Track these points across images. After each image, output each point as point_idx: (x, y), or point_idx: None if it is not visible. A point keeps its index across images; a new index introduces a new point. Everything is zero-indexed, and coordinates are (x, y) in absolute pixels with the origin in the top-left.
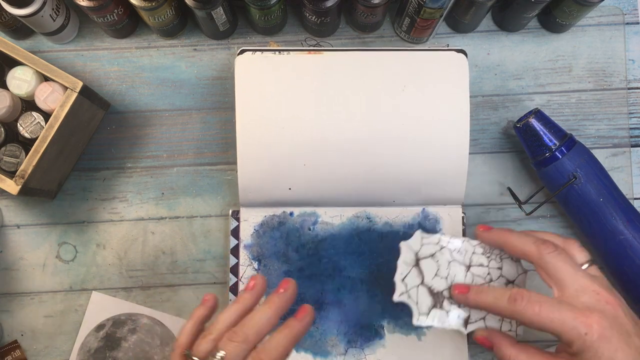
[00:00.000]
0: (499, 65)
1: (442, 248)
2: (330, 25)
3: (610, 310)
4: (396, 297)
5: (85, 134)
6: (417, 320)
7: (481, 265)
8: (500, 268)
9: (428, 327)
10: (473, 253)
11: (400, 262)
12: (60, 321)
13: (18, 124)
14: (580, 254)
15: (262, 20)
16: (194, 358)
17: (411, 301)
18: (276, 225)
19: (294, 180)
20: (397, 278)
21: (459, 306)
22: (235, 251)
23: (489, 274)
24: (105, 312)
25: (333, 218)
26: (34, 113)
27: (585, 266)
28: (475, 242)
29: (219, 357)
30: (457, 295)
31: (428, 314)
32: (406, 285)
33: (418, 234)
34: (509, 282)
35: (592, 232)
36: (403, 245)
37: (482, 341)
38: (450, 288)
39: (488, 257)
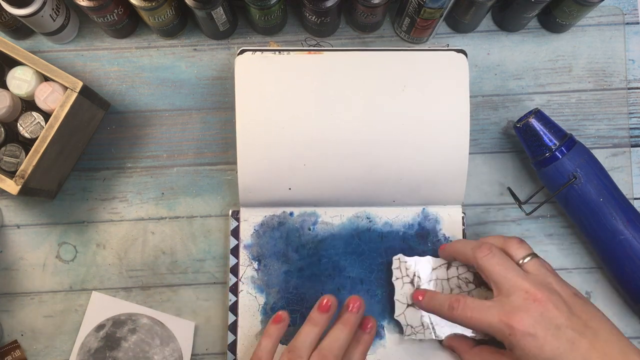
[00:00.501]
0: (499, 65)
1: (417, 268)
2: (330, 25)
3: (537, 308)
4: (395, 316)
5: (85, 134)
6: (408, 336)
7: (456, 276)
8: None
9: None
10: (447, 266)
11: (395, 281)
12: (60, 321)
13: (18, 124)
14: (519, 250)
15: (262, 20)
16: None
17: (403, 319)
18: (276, 225)
19: (294, 180)
20: (396, 297)
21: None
22: (235, 251)
23: (467, 280)
24: (105, 312)
25: (333, 218)
26: (34, 113)
27: (526, 260)
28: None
29: None
30: (414, 300)
31: (417, 332)
32: (405, 302)
33: (396, 259)
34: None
35: (592, 232)
36: (394, 267)
37: (449, 347)
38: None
39: (457, 267)
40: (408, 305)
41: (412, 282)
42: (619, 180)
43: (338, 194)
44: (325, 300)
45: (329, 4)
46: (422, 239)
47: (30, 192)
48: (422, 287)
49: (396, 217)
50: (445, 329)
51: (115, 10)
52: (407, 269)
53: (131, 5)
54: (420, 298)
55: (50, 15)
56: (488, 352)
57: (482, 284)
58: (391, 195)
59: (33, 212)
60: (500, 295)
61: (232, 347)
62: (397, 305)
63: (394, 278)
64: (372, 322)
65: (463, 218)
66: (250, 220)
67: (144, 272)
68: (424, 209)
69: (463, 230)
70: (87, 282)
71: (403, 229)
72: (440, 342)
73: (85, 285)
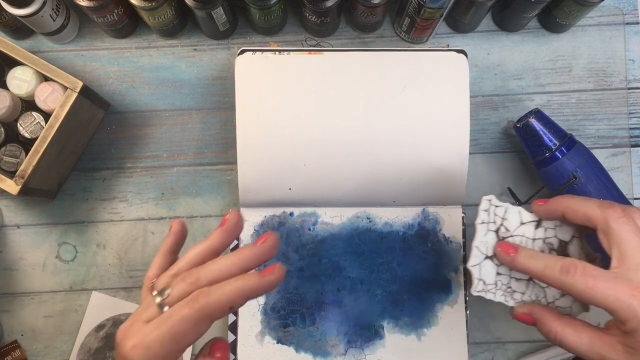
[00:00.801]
0: (499, 65)
1: (506, 217)
2: (330, 25)
3: None
4: (469, 265)
5: (85, 134)
6: (477, 292)
7: (542, 239)
8: (554, 235)
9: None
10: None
11: (479, 225)
12: (60, 321)
13: (18, 124)
14: None
15: (262, 20)
16: (154, 292)
17: (477, 271)
18: (276, 225)
19: (294, 181)
20: (475, 243)
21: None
22: None
23: (551, 246)
24: (105, 312)
25: (333, 218)
26: (34, 113)
27: None
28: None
29: (166, 294)
30: (503, 255)
31: (488, 290)
32: (485, 252)
33: (487, 199)
34: (563, 243)
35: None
36: (482, 209)
37: (523, 318)
38: (495, 246)
39: (547, 228)
40: (486, 257)
41: (496, 232)
42: (619, 180)
43: (338, 194)
44: (225, 217)
45: (329, 4)
46: (422, 239)
47: (30, 192)
48: (507, 240)
49: (396, 217)
50: (519, 296)
51: (115, 10)
52: (495, 214)
53: (131, 5)
54: (512, 253)
55: (50, 15)
56: (583, 324)
57: (564, 254)
58: (391, 195)
59: (33, 212)
60: (624, 267)
61: (232, 347)
62: (474, 253)
63: (479, 221)
64: (276, 269)
65: (463, 218)
66: (251, 221)
67: (144, 272)
68: (424, 209)
69: (463, 230)
70: (87, 282)
71: (403, 229)
72: (511, 310)
73: (85, 285)
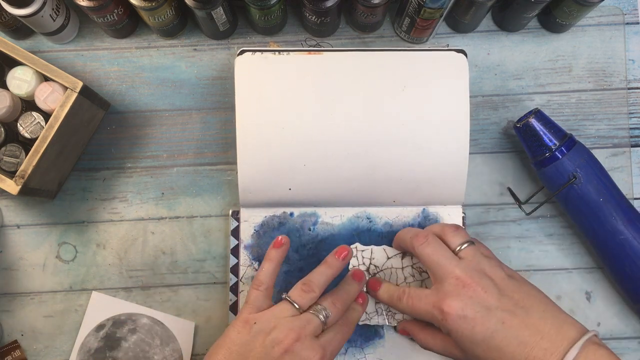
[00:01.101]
0: (499, 65)
1: (373, 256)
2: (330, 25)
3: (466, 292)
4: None
5: (85, 134)
6: (362, 322)
7: (410, 265)
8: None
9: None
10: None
11: (351, 268)
12: (60, 321)
13: (18, 124)
14: (455, 238)
15: (262, 20)
16: (296, 305)
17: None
18: (276, 225)
19: (294, 181)
20: None
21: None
22: (235, 251)
23: (420, 269)
24: (105, 312)
25: (333, 218)
26: (34, 113)
27: (463, 247)
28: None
29: (325, 315)
30: (371, 289)
31: (371, 318)
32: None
33: (353, 247)
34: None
35: (592, 232)
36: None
37: (402, 332)
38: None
39: (412, 256)
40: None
41: (367, 270)
42: (619, 180)
43: (338, 194)
44: (341, 248)
45: (329, 4)
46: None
47: (30, 192)
48: (377, 275)
49: (396, 217)
50: (398, 315)
51: (115, 10)
52: (363, 257)
53: (131, 5)
54: (377, 288)
55: (50, 15)
56: (437, 332)
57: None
58: (391, 195)
59: (33, 212)
60: (436, 283)
61: None
62: None
63: (350, 266)
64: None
65: (463, 218)
66: (251, 221)
67: (144, 272)
68: (424, 209)
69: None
70: (87, 282)
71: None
72: (395, 328)
73: (85, 285)
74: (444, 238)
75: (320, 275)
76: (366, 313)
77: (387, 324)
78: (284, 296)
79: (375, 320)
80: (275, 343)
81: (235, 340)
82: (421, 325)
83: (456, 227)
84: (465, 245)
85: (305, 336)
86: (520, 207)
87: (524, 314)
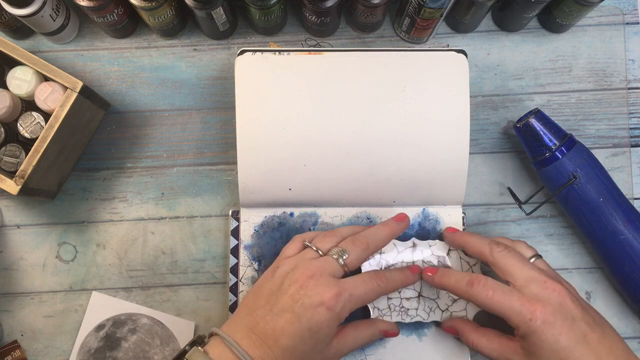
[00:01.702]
0: (499, 65)
1: (383, 250)
2: (330, 25)
3: (556, 298)
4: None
5: (85, 134)
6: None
7: (421, 260)
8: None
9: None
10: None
11: (362, 267)
12: (60, 321)
13: (18, 124)
14: (527, 250)
15: (262, 20)
16: (315, 248)
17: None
18: (276, 225)
19: (294, 181)
20: None
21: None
22: (235, 251)
23: (430, 264)
24: (105, 312)
25: (333, 219)
26: (34, 113)
27: (533, 259)
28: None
29: (345, 257)
30: (426, 276)
31: (384, 315)
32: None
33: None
34: None
35: (592, 232)
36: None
37: (448, 330)
38: (422, 271)
39: (422, 250)
40: None
41: (380, 268)
42: (619, 180)
43: (338, 195)
44: (402, 214)
45: (329, 4)
46: (422, 240)
47: (30, 192)
48: (389, 268)
49: None
50: (413, 312)
51: (115, 10)
52: (372, 255)
53: (131, 5)
54: (431, 274)
55: (50, 15)
56: (494, 334)
57: (446, 267)
58: (391, 195)
59: (33, 212)
60: (516, 286)
61: None
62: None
63: (362, 266)
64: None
65: (463, 218)
66: (251, 221)
67: (144, 272)
68: (424, 209)
69: (463, 230)
70: (87, 282)
71: None
72: (437, 324)
73: (85, 285)
74: (518, 249)
75: (377, 231)
76: (378, 309)
77: (401, 320)
78: (305, 243)
79: (388, 318)
80: (292, 281)
81: (260, 284)
82: (473, 325)
83: (526, 243)
84: (535, 257)
85: (320, 274)
86: (520, 207)
87: (600, 332)
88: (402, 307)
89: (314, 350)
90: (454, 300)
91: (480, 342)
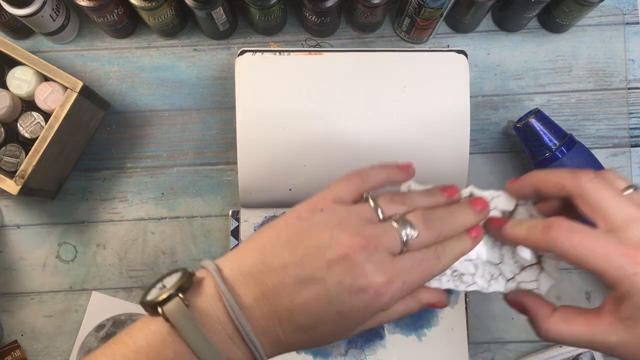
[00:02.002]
0: (499, 65)
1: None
2: (330, 25)
3: None
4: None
5: (85, 134)
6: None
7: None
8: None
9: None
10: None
11: None
12: (60, 321)
13: (18, 124)
14: (619, 181)
15: (262, 20)
16: (379, 209)
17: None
18: None
19: (295, 181)
20: None
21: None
22: None
23: None
24: (105, 312)
25: None
26: (34, 113)
27: (628, 192)
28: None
29: (411, 234)
30: (492, 228)
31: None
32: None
33: (466, 190)
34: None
35: None
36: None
37: (515, 306)
38: (485, 222)
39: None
40: None
41: None
42: None
43: None
44: (451, 188)
45: (329, 4)
46: None
47: (30, 192)
48: None
49: None
50: (469, 278)
51: (115, 10)
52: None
53: (131, 5)
54: (502, 224)
55: (50, 15)
56: (576, 314)
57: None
58: None
59: (33, 212)
60: (612, 228)
61: None
62: None
63: None
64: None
65: None
66: (251, 221)
67: (144, 272)
68: None
69: None
70: (87, 282)
71: None
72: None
73: (85, 285)
74: (608, 179)
75: (423, 196)
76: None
77: (454, 287)
78: (366, 195)
79: (437, 283)
80: (334, 243)
81: (290, 224)
82: (548, 307)
83: (614, 171)
84: (631, 189)
85: (376, 247)
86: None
87: None
88: (455, 271)
89: (332, 334)
90: (523, 268)
91: (558, 330)
